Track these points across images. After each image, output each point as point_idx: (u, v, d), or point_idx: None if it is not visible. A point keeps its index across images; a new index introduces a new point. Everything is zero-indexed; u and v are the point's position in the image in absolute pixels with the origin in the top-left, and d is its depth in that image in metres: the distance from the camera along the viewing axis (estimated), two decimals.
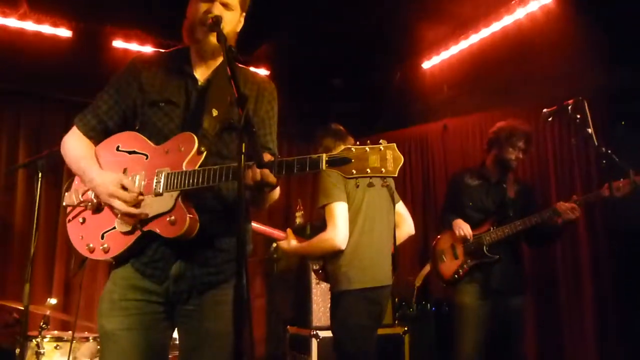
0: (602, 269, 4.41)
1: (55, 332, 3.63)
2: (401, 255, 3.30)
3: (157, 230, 1.68)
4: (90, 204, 1.79)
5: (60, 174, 4.73)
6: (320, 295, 4.18)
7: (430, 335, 4.54)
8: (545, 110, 2.99)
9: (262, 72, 5.36)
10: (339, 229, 2.75)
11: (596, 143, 2.74)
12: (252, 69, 2.13)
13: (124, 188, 1.69)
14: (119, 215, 1.71)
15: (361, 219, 2.85)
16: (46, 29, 4.59)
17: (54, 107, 5.09)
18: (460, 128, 5.58)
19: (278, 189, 1.78)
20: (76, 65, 4.79)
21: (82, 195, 1.83)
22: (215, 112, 1.77)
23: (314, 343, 3.85)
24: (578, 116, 2.80)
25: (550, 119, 2.99)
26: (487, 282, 3.28)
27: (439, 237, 3.61)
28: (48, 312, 3.44)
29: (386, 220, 3.00)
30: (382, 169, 1.48)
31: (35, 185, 2.98)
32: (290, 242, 3.02)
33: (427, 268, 4.51)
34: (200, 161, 1.69)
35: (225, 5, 1.78)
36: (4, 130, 4.95)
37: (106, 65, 4.62)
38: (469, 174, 3.56)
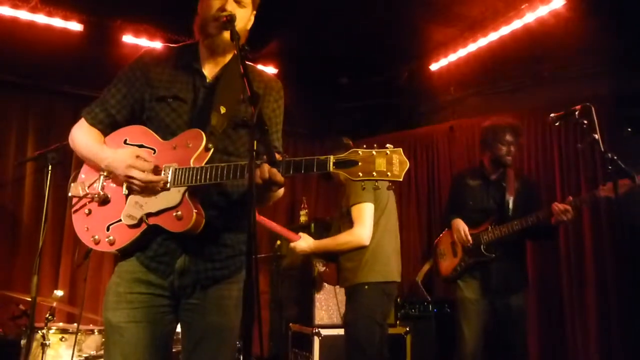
0: (606, 266, 4.40)
1: (61, 324, 3.67)
2: (406, 255, 3.37)
3: (164, 225, 1.70)
4: (97, 195, 1.81)
5: (68, 168, 4.76)
6: (323, 294, 4.20)
7: (432, 336, 4.55)
8: (552, 114, 3.01)
9: (270, 70, 5.37)
10: (367, 227, 3.02)
11: (602, 149, 2.74)
12: (259, 66, 2.14)
13: (140, 158, 1.71)
14: (135, 193, 1.72)
15: (384, 219, 3.13)
16: (57, 22, 4.61)
17: (63, 100, 5.11)
18: (467, 130, 5.57)
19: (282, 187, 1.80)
20: (86, 59, 4.82)
21: (89, 187, 1.84)
22: (223, 109, 1.78)
23: (316, 341, 3.87)
24: (585, 121, 2.81)
25: (557, 124, 3.00)
26: (487, 281, 3.33)
27: (440, 235, 3.70)
28: (54, 304, 3.47)
29: (396, 221, 3.27)
30: (388, 173, 1.50)
31: (45, 177, 3.00)
32: (307, 241, 3.21)
33: (428, 265, 4.56)
34: (208, 158, 1.71)
35: (238, 2, 1.79)
36: (13, 122, 4.98)
37: (115, 60, 4.63)
38: (469, 175, 3.62)
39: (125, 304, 1.73)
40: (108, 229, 1.78)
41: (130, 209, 1.74)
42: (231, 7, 1.76)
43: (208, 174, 1.65)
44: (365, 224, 3.03)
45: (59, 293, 3.59)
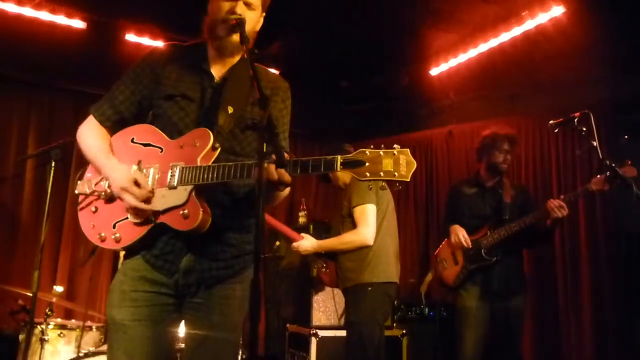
0: (602, 269, 4.44)
1: (59, 320, 3.68)
2: (402, 258, 3.40)
3: (170, 223, 1.71)
4: (103, 193, 1.82)
5: (69, 165, 4.77)
6: (320, 295, 4.22)
7: (429, 338, 4.58)
8: (551, 121, 3.05)
9: (272, 71, 5.39)
10: (371, 227, 3.08)
11: (600, 156, 2.78)
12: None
13: (137, 184, 1.71)
14: (128, 208, 1.74)
15: (385, 221, 3.18)
16: (60, 19, 4.62)
17: (65, 97, 5.11)
18: (465, 134, 5.61)
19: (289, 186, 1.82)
20: (88, 57, 4.83)
21: (95, 185, 1.85)
22: (230, 110, 1.79)
23: (313, 342, 3.88)
24: (584, 128, 2.85)
25: (556, 130, 3.04)
26: (488, 285, 3.36)
27: (440, 246, 3.72)
28: (54, 300, 3.48)
29: (396, 224, 3.33)
30: (395, 173, 1.51)
31: (48, 174, 3.01)
32: (311, 240, 3.25)
33: (430, 275, 4.57)
34: (215, 157, 1.72)
35: (248, 5, 1.80)
36: (15, 118, 4.98)
37: (118, 58, 4.65)
38: (465, 184, 3.68)
39: (130, 302, 1.74)
40: (114, 227, 1.79)
41: (132, 210, 1.74)
42: (241, 9, 1.77)
43: (215, 173, 1.67)
44: (369, 224, 3.07)
45: (58, 289, 3.60)
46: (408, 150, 1.53)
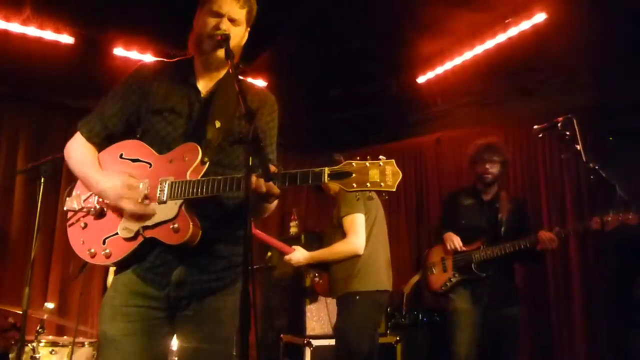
0: (592, 284, 4.48)
1: (51, 337, 3.65)
2: (394, 265, 3.42)
3: (160, 238, 1.72)
4: (92, 209, 1.83)
5: (58, 180, 4.75)
6: (314, 304, 4.22)
7: (422, 345, 4.59)
8: (536, 126, 3.09)
9: (260, 82, 5.43)
10: (360, 237, 3.12)
11: (584, 159, 2.83)
12: (249, 79, 2.19)
13: (130, 188, 1.74)
14: (126, 216, 1.74)
15: (375, 230, 3.20)
16: (48, 34, 4.61)
17: (54, 112, 5.10)
18: (454, 142, 5.66)
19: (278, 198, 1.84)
20: (77, 72, 4.82)
21: (84, 201, 1.85)
22: (218, 124, 1.81)
23: (307, 352, 3.89)
24: (567, 133, 2.90)
25: (540, 135, 3.09)
26: (478, 295, 3.39)
27: (431, 249, 3.73)
28: (45, 317, 3.45)
29: (386, 232, 3.34)
30: (382, 184, 1.54)
31: (38, 189, 3.00)
32: (302, 252, 3.27)
33: (417, 277, 4.60)
34: (204, 171, 1.74)
35: (233, 21, 1.83)
36: (4, 134, 4.95)
37: (107, 73, 4.64)
38: (462, 194, 3.71)
39: (121, 317, 1.74)
40: (104, 242, 1.79)
41: (127, 222, 1.76)
42: (226, 25, 1.80)
43: (204, 187, 1.69)
44: (358, 233, 3.10)
45: (49, 305, 3.58)
46: (393, 161, 1.56)
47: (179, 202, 1.72)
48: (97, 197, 1.84)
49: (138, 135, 1.90)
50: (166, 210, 1.72)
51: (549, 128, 3.05)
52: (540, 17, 4.40)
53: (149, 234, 1.74)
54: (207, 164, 1.76)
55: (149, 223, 1.73)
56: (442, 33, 4.93)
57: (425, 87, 5.64)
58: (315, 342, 3.91)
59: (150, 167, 1.81)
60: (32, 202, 3.14)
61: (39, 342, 3.38)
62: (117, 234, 1.78)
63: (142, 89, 1.89)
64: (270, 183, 1.59)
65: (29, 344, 3.34)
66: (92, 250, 1.81)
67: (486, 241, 3.43)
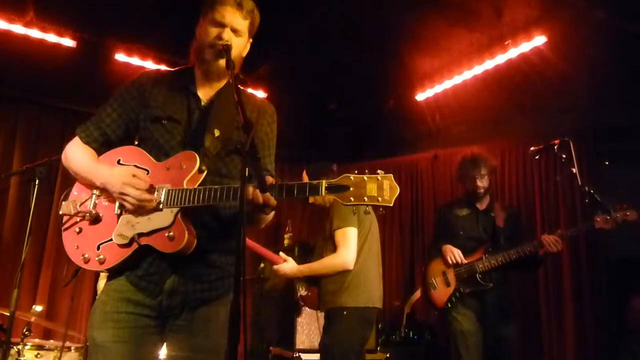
0: (584, 295, 4.48)
1: (37, 340, 3.60)
2: (387, 281, 3.39)
3: (155, 245, 1.72)
4: (88, 214, 1.82)
5: (53, 183, 4.73)
6: (304, 317, 4.20)
7: None
8: (532, 148, 3.12)
9: (259, 93, 5.45)
10: (351, 251, 3.07)
11: (580, 182, 2.85)
12: (250, 90, 2.19)
13: (136, 177, 1.74)
14: (125, 213, 1.74)
15: (367, 244, 3.15)
16: (50, 37, 4.62)
17: (52, 114, 5.10)
18: (450, 158, 5.67)
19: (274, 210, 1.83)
20: (77, 75, 4.83)
21: (80, 206, 1.85)
22: (217, 132, 1.81)
23: None
24: (563, 155, 2.93)
25: (537, 157, 3.11)
26: (481, 309, 3.34)
27: (429, 264, 3.64)
28: (33, 319, 3.41)
29: (379, 246, 3.29)
30: (379, 198, 1.54)
31: (32, 191, 2.98)
32: (291, 264, 3.22)
33: (416, 295, 4.54)
34: (201, 180, 1.74)
35: (235, 31, 1.84)
36: (1, 134, 4.94)
37: (107, 77, 4.66)
38: (456, 205, 3.67)
39: (111, 323, 1.73)
40: (98, 248, 1.78)
41: (122, 229, 1.75)
42: (228, 35, 1.81)
43: (201, 195, 1.68)
44: (349, 247, 3.06)
45: (37, 308, 3.54)
46: (391, 175, 1.57)
47: (175, 210, 1.71)
48: (93, 201, 1.84)
49: (136, 142, 1.90)
50: (162, 218, 1.72)
51: (545, 150, 3.07)
52: (540, 40, 4.45)
53: (144, 241, 1.73)
54: (205, 172, 1.75)
55: (144, 230, 1.73)
56: (441, 52, 4.99)
57: (424, 104, 5.68)
58: (304, 356, 3.89)
59: (147, 174, 1.80)
60: (26, 204, 3.11)
61: (25, 345, 3.33)
62: (111, 240, 1.77)
63: (142, 96, 1.90)
64: (267, 194, 1.58)
65: (15, 347, 3.29)
66: (86, 256, 1.79)
67: (487, 250, 3.40)
